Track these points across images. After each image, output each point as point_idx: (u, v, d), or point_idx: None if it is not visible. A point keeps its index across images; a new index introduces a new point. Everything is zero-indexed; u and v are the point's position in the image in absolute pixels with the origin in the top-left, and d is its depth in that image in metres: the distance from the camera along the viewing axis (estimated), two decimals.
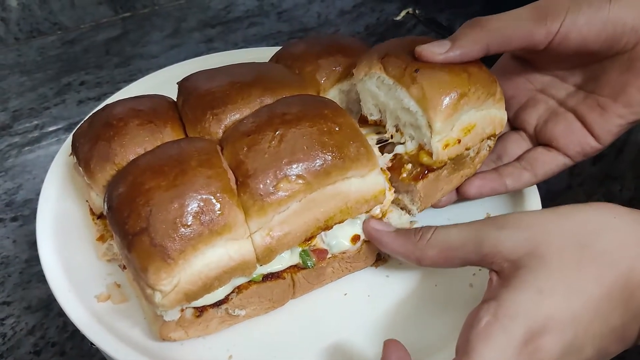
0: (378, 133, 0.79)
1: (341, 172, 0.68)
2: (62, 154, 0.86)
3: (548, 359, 0.53)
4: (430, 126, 0.71)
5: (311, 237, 0.70)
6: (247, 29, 1.35)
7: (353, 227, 0.73)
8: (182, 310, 0.67)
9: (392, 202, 0.76)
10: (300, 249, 0.71)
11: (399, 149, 0.76)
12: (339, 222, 0.71)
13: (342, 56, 0.81)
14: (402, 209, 0.79)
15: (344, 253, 0.73)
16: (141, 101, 0.76)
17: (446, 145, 0.72)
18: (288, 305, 0.73)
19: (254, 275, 0.69)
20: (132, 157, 0.69)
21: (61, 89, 1.20)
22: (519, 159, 0.81)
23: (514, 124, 0.83)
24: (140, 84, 1.01)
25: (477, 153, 0.79)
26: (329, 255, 0.72)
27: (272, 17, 1.39)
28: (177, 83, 0.78)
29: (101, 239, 0.76)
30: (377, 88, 0.75)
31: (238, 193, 0.65)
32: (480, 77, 0.73)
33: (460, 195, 0.81)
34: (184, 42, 1.31)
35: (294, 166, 0.66)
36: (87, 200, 0.78)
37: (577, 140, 0.77)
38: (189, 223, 0.62)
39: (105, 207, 0.66)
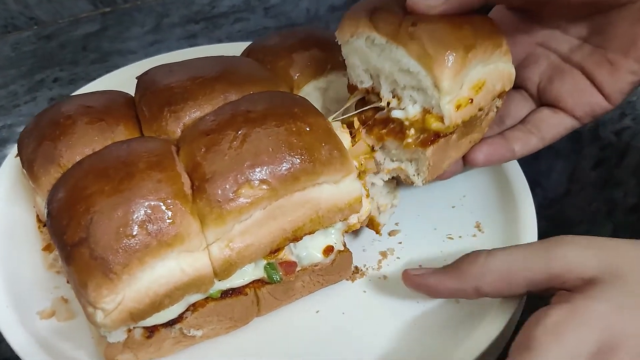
0: (371, 103, 0.68)
1: (311, 177, 0.60)
2: (13, 155, 0.77)
3: None
4: (437, 86, 0.60)
5: (278, 249, 0.61)
6: (232, 24, 1.27)
7: (326, 238, 0.65)
8: (130, 330, 0.58)
9: (389, 173, 0.68)
10: (265, 262, 0.62)
11: (397, 114, 0.65)
12: (310, 233, 0.62)
13: (318, 50, 0.73)
14: (403, 180, 0.69)
15: (315, 265, 0.65)
16: (94, 98, 0.68)
17: (458, 106, 0.62)
18: (252, 324, 0.65)
19: (212, 292, 0.60)
20: (79, 159, 0.61)
21: (33, 85, 1.11)
22: (523, 121, 0.72)
23: (515, 83, 0.72)
24: (112, 77, 0.93)
25: (486, 115, 0.69)
26: (298, 268, 0.64)
27: (259, 12, 1.31)
28: (136, 78, 0.70)
29: (48, 248, 0.68)
30: (367, 50, 0.65)
31: (193, 199, 0.57)
32: (484, 27, 0.64)
33: (468, 164, 0.72)
34: (165, 39, 1.23)
35: (258, 170, 0.57)
36: (34, 206, 0.70)
37: (585, 100, 0.68)
38: (134, 233, 0.53)
39: (46, 213, 0.58)
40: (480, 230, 0.74)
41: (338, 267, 0.66)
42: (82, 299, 0.55)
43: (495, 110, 0.71)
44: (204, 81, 0.66)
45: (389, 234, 0.74)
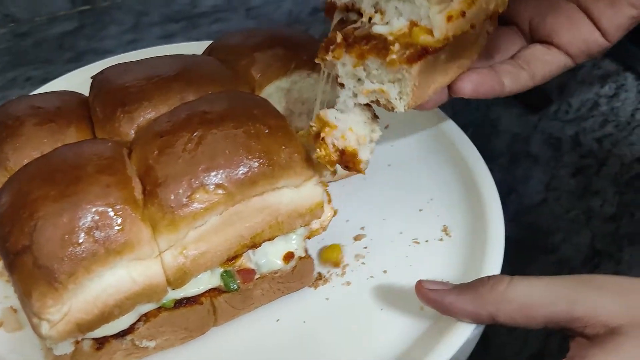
0: (350, 23, 0.62)
1: (270, 182, 0.57)
2: None
3: None
4: None
5: (235, 256, 0.59)
6: (212, 24, 1.24)
7: (286, 244, 0.62)
8: (78, 342, 0.55)
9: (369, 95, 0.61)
10: (221, 270, 0.59)
11: (380, 29, 0.59)
12: (269, 239, 0.60)
13: (282, 49, 0.70)
14: (382, 106, 0.62)
15: (275, 273, 0.62)
16: (45, 98, 0.65)
17: (449, 18, 0.56)
18: (209, 334, 0.62)
19: (165, 301, 0.57)
20: (27, 162, 0.58)
21: (4, 84, 1.08)
22: (513, 57, 0.67)
23: (505, 18, 0.68)
24: (81, 72, 0.90)
25: (477, 38, 0.64)
26: (257, 276, 0.61)
27: (240, 13, 1.28)
28: (91, 77, 0.67)
29: None
30: None
31: (145, 204, 0.54)
32: None
33: (454, 93, 0.65)
34: (142, 38, 1.20)
35: (213, 173, 0.55)
36: None
37: (581, 36, 0.64)
38: (80, 241, 0.51)
39: None
40: (447, 234, 0.72)
41: (299, 274, 0.64)
42: (27, 309, 0.53)
43: (486, 35, 0.66)
44: (160, 81, 0.63)
45: (354, 239, 0.71)
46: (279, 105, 0.70)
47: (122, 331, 0.57)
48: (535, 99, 1.00)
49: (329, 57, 0.61)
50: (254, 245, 0.59)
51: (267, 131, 0.58)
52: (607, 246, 0.80)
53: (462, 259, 0.68)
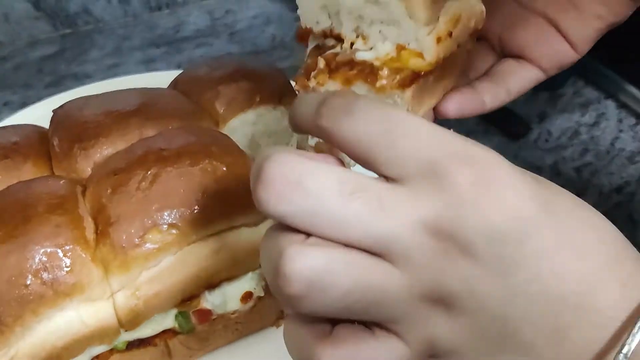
0: (328, 48, 0.59)
1: (226, 221, 0.56)
2: None
3: None
4: (414, 17, 0.53)
5: (191, 297, 0.58)
6: (195, 49, 1.24)
7: (244, 283, 0.60)
8: None
9: None
10: (176, 311, 0.58)
11: (364, 56, 0.56)
12: (226, 279, 0.58)
13: (247, 82, 0.69)
14: None
15: (232, 313, 0.60)
16: (3, 133, 0.64)
17: (439, 39, 0.54)
18: None
19: (117, 343, 0.56)
20: None
21: None
22: (488, 73, 0.67)
23: None
24: (58, 99, 0.88)
25: (459, 58, 0.63)
26: (213, 316, 0.60)
27: (224, 37, 1.28)
28: (52, 111, 0.66)
29: None
30: None
31: (97, 244, 0.53)
32: None
33: (439, 115, 0.64)
34: (123, 62, 1.20)
35: (167, 213, 0.53)
36: None
37: (551, 49, 0.64)
38: (27, 283, 0.50)
39: None
40: None
41: (259, 314, 0.62)
42: None
43: (466, 54, 0.65)
44: (119, 115, 0.62)
45: None
46: (245, 138, 0.69)
47: None
48: (515, 127, 0.99)
49: (312, 84, 0.59)
50: (211, 285, 0.58)
51: (224, 169, 0.57)
52: None
53: None
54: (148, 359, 0.58)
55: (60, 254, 0.51)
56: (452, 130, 0.36)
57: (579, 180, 0.92)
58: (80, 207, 0.55)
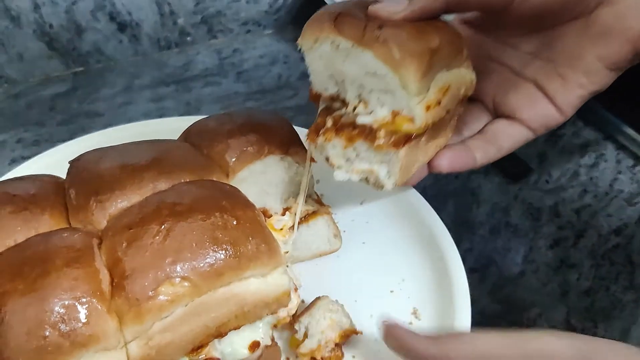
0: (335, 110, 0.67)
1: (236, 273, 0.58)
2: None
3: None
4: (406, 88, 0.60)
5: (201, 345, 0.60)
6: (203, 88, 1.27)
7: (252, 333, 0.62)
8: None
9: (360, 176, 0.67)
10: (187, 359, 0.60)
11: (364, 120, 0.65)
12: (235, 328, 0.60)
13: (255, 135, 0.72)
14: (371, 184, 0.68)
15: None
16: (21, 183, 0.67)
17: (428, 107, 0.62)
18: None
19: None
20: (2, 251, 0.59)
21: None
22: (481, 132, 0.74)
23: (471, 96, 0.74)
24: (73, 144, 0.91)
25: (451, 119, 0.70)
26: None
27: (231, 77, 1.31)
28: (69, 162, 0.68)
29: None
30: (332, 55, 0.64)
31: (112, 296, 0.55)
32: (447, 33, 0.64)
33: (433, 169, 0.72)
34: (133, 101, 1.23)
35: (179, 266, 0.56)
36: None
37: (539, 112, 0.70)
38: (46, 334, 0.52)
39: None
40: (417, 317, 0.72)
41: None
42: None
43: (457, 116, 0.72)
44: (134, 169, 0.64)
45: None
46: (253, 187, 0.72)
47: None
48: (515, 169, 1.02)
49: (320, 140, 0.67)
50: (220, 334, 0.60)
51: (234, 222, 0.59)
52: (582, 321, 0.81)
53: None
54: None
55: (78, 307, 0.53)
56: None
57: (578, 222, 0.94)
58: (97, 260, 0.57)
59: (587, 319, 0.81)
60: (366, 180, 0.68)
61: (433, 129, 0.66)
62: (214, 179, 0.67)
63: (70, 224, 0.64)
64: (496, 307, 0.81)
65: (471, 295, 0.72)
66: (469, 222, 0.94)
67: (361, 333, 0.69)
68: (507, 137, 0.72)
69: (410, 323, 0.72)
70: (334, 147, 0.67)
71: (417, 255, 0.79)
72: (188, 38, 1.36)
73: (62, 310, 0.52)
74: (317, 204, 0.80)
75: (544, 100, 0.69)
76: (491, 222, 0.94)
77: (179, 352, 0.58)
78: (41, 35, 1.23)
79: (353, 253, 0.81)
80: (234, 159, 0.71)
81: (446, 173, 0.73)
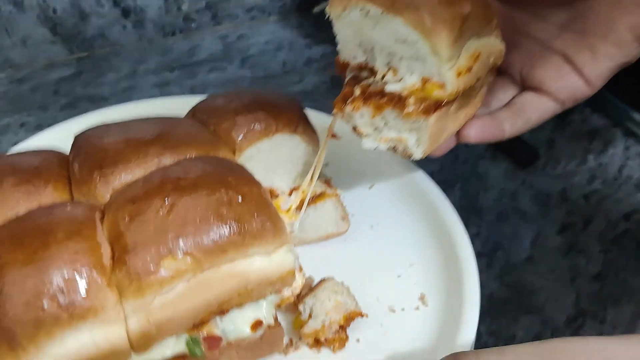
0: (363, 79, 0.67)
1: (240, 250, 0.57)
2: None
3: None
4: (437, 54, 0.60)
5: (202, 322, 0.58)
6: (208, 73, 1.25)
7: (255, 311, 0.61)
8: None
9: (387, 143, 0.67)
10: (187, 336, 0.59)
11: (393, 88, 0.64)
12: (237, 306, 0.59)
13: (263, 113, 0.70)
14: (399, 153, 0.67)
15: (242, 340, 0.61)
16: (25, 157, 0.65)
17: (459, 74, 0.62)
18: None
19: None
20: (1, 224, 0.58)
21: None
22: (508, 104, 0.73)
23: (499, 69, 0.74)
24: (74, 122, 0.91)
25: (480, 88, 0.70)
26: (223, 343, 0.60)
27: (236, 62, 1.29)
28: (74, 136, 0.67)
29: None
30: (361, 22, 0.63)
31: (113, 270, 0.54)
32: (477, 1, 0.63)
33: (461, 139, 0.71)
34: (138, 86, 1.21)
35: (182, 241, 0.55)
36: None
37: (568, 85, 0.69)
38: (44, 305, 0.51)
39: None
40: (424, 303, 0.71)
41: (268, 341, 0.63)
42: None
43: (486, 86, 0.72)
44: (138, 143, 0.63)
45: None
46: (260, 165, 0.70)
47: None
48: (523, 154, 1.00)
49: (347, 109, 0.67)
50: (222, 311, 0.59)
51: (240, 199, 0.58)
52: (591, 306, 0.79)
53: (436, 330, 0.68)
54: None
55: (77, 279, 0.52)
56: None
57: (587, 207, 0.92)
58: (98, 233, 0.56)
59: (596, 304, 0.79)
60: (394, 149, 0.68)
61: (463, 98, 0.65)
62: (220, 156, 0.66)
63: (73, 197, 0.63)
64: (504, 292, 0.80)
65: (479, 279, 0.71)
66: (476, 207, 0.93)
67: (366, 316, 0.68)
68: (535, 109, 0.71)
69: (417, 308, 0.70)
70: (362, 116, 0.66)
71: (426, 240, 0.78)
72: (192, 24, 1.35)
73: (61, 282, 0.52)
74: (326, 185, 0.79)
75: (572, 73, 0.69)
76: (499, 207, 0.92)
77: (179, 328, 0.57)
78: (45, 20, 1.22)
79: (360, 236, 0.79)
80: (241, 137, 0.69)
81: (475, 143, 0.72)
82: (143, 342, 0.55)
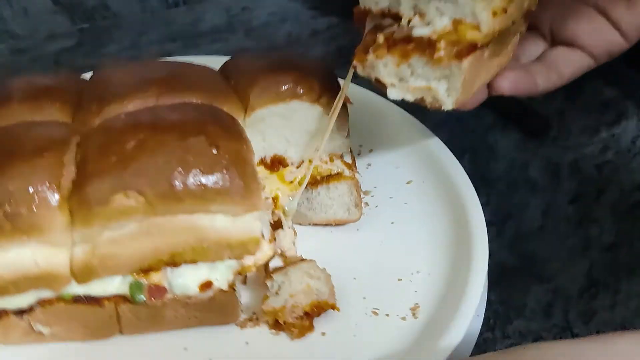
0: (385, 27, 0.60)
1: (200, 203, 0.53)
2: None
3: None
4: None
5: (151, 269, 0.55)
6: (211, 44, 1.20)
7: (208, 272, 0.57)
8: None
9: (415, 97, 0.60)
10: (132, 278, 0.55)
11: (421, 32, 0.58)
12: (191, 262, 0.55)
13: (286, 76, 0.66)
14: (428, 104, 0.61)
15: (189, 298, 0.57)
16: (43, 78, 0.65)
17: (494, 14, 0.56)
18: (115, 342, 0.59)
19: (64, 293, 0.55)
20: None
21: None
22: (540, 59, 0.70)
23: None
24: None
25: (513, 37, 0.65)
26: (169, 296, 0.56)
27: (240, 34, 1.25)
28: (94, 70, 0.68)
29: None
30: None
31: (70, 194, 0.52)
32: None
33: (494, 91, 0.67)
34: (139, 57, 1.16)
35: (139, 179, 0.52)
36: None
37: (602, 38, 0.67)
38: None
39: None
40: (414, 314, 0.62)
41: (220, 307, 0.58)
42: None
43: (518, 35, 0.67)
44: (144, 81, 0.61)
45: None
46: (272, 130, 0.66)
47: (20, 310, 0.55)
48: (534, 124, 0.97)
49: (370, 58, 0.60)
50: (174, 263, 0.55)
51: (214, 150, 0.53)
52: (604, 276, 0.76)
53: (415, 345, 0.59)
54: (94, 318, 0.57)
55: (30, 193, 0.51)
56: None
57: (600, 178, 0.89)
58: (68, 154, 0.54)
59: (609, 274, 0.75)
60: (421, 100, 0.60)
61: (496, 44, 0.60)
62: (224, 109, 0.61)
63: (73, 121, 0.62)
64: (515, 261, 0.76)
65: (489, 248, 0.65)
66: (485, 177, 0.89)
67: (338, 310, 0.60)
68: (568, 64, 0.68)
69: (404, 318, 0.61)
70: (386, 65, 0.60)
71: (443, 255, 0.67)
72: None
73: (12, 193, 0.51)
74: (346, 166, 0.71)
75: (607, 26, 0.66)
76: (509, 177, 0.89)
77: (123, 268, 0.54)
78: None
79: (376, 230, 0.71)
80: (255, 95, 0.65)
81: (507, 95, 0.67)
82: (85, 273, 0.54)
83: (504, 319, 0.67)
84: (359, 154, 0.81)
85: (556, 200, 0.87)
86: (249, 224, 0.55)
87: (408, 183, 0.77)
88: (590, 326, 0.68)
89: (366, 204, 0.75)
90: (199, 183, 0.52)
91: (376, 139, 0.82)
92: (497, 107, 0.96)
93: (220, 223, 0.54)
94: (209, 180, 0.53)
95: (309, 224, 0.73)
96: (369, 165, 0.80)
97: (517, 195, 0.86)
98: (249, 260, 0.57)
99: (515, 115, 0.98)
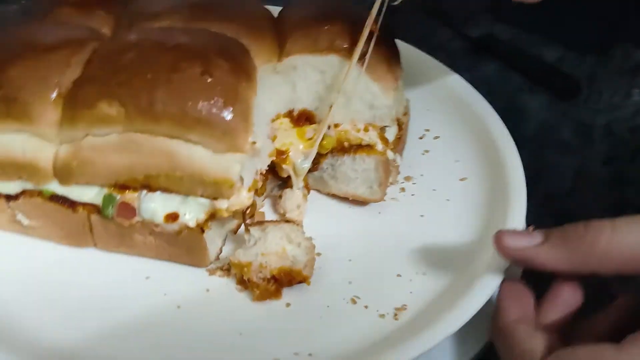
0: None
1: (177, 128, 0.51)
2: None
3: None
4: None
5: (126, 187, 0.55)
6: None
7: (180, 205, 0.55)
8: None
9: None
10: (106, 191, 0.55)
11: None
12: (164, 189, 0.54)
13: (332, 27, 0.61)
14: None
15: (155, 226, 0.55)
16: None
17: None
18: (87, 253, 0.59)
19: (44, 188, 0.56)
20: None
21: None
22: None
23: None
24: None
25: None
26: (137, 219, 0.55)
27: None
28: None
29: None
30: None
31: (68, 93, 0.53)
32: None
33: None
34: None
35: (123, 90, 0.51)
36: None
37: None
38: None
39: None
40: (395, 315, 0.54)
41: (186, 245, 0.56)
42: None
43: None
44: (180, 3, 0.61)
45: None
46: (305, 82, 0.62)
47: (7, 195, 0.58)
48: (565, 86, 0.94)
49: None
50: (149, 187, 0.54)
51: (208, 80, 0.51)
52: None
53: (371, 346, 0.51)
54: (69, 222, 0.57)
55: (29, 81, 0.54)
56: None
57: (634, 140, 0.86)
58: (78, 56, 0.55)
59: None
60: None
61: None
62: (254, 47, 0.59)
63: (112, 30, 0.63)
64: (548, 220, 0.73)
65: None
66: (515, 138, 0.87)
67: (309, 284, 0.55)
68: None
69: (383, 316, 0.54)
70: None
71: (460, 269, 0.57)
72: None
73: (13, 78, 0.53)
74: (381, 140, 0.64)
75: None
76: (540, 138, 0.86)
77: (99, 177, 0.55)
78: None
79: (399, 218, 0.64)
80: (292, 40, 0.61)
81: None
82: (64, 173, 0.55)
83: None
84: (420, 138, 0.73)
85: (589, 162, 0.84)
86: (227, 163, 0.52)
87: (461, 180, 0.68)
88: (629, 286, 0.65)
89: (402, 189, 0.67)
90: (180, 108, 0.50)
91: (446, 128, 0.74)
92: (525, 70, 0.93)
93: (197, 155, 0.52)
94: (192, 107, 0.50)
95: (328, 194, 0.66)
96: (427, 151, 0.72)
97: (549, 155, 0.83)
98: (222, 204, 0.53)
99: (543, 78, 0.94)
